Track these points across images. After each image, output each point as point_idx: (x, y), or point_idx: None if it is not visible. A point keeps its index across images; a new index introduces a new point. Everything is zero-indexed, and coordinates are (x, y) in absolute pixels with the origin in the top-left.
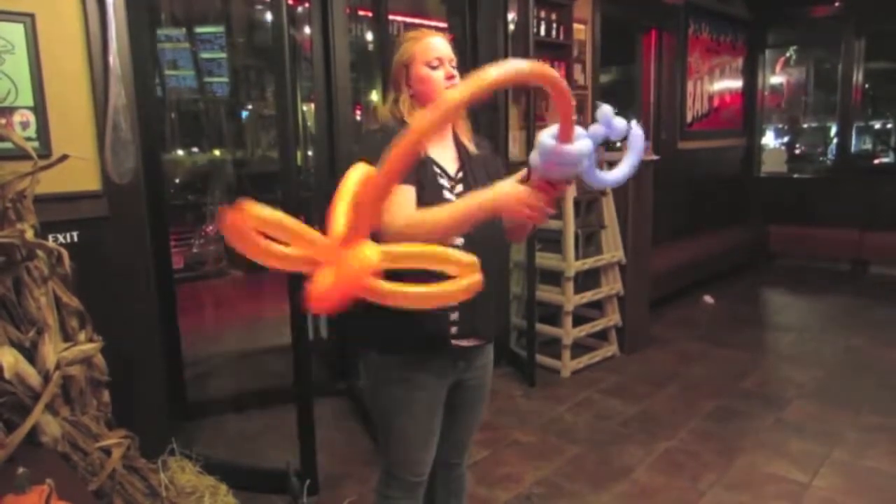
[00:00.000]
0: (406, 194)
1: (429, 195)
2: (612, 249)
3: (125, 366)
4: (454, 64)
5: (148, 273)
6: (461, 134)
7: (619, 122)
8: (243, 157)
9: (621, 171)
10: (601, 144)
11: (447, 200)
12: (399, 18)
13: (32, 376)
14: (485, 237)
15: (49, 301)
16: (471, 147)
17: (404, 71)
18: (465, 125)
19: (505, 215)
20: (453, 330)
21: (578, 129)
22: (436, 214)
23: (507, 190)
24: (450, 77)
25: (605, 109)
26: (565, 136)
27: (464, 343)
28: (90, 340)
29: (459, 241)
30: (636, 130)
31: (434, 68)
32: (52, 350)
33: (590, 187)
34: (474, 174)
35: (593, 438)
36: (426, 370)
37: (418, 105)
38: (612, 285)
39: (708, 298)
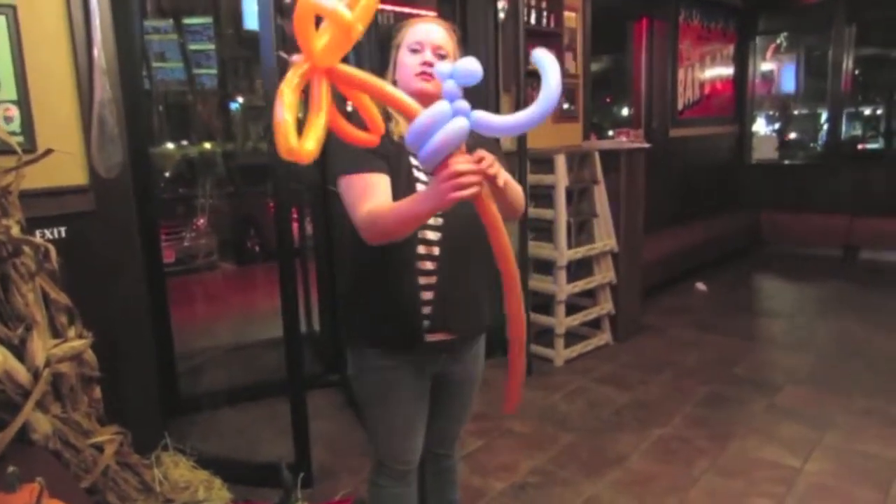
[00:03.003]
0: (376, 181)
1: (402, 186)
2: (605, 238)
3: (116, 361)
4: (442, 52)
5: (137, 267)
6: None
7: (465, 64)
8: (233, 150)
9: (528, 110)
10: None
11: None
12: (388, 7)
13: (22, 374)
14: (462, 233)
15: (37, 297)
16: None
17: (394, 54)
18: None
19: (448, 202)
20: (425, 324)
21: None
22: (395, 204)
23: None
24: (425, 63)
25: (438, 66)
26: (408, 116)
27: (435, 338)
28: (80, 336)
29: (436, 236)
30: (540, 54)
31: (413, 52)
32: (41, 347)
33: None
34: None
35: (587, 427)
36: (403, 362)
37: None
38: (604, 274)
39: (700, 286)
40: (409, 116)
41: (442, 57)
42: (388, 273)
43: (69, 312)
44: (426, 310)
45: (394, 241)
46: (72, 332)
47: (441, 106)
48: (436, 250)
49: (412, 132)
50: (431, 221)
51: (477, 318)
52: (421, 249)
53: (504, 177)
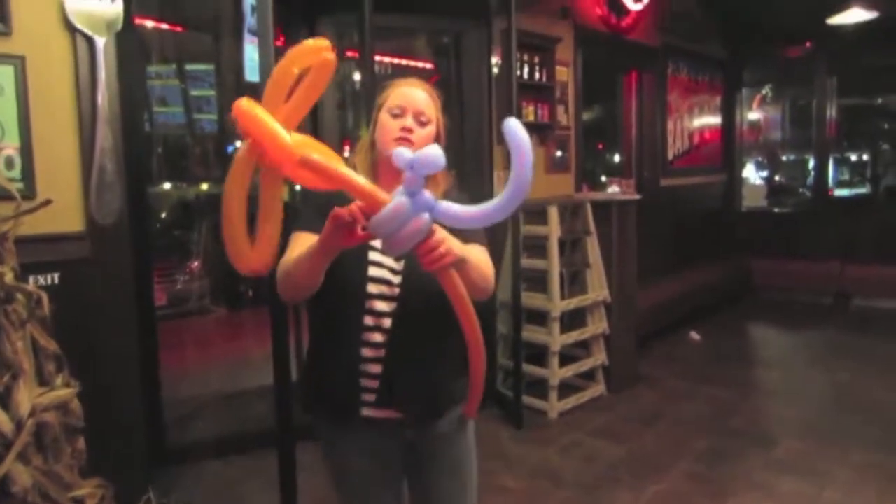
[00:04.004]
0: (304, 240)
1: (354, 251)
2: (598, 288)
3: (103, 410)
4: (423, 118)
5: (129, 315)
6: (432, 188)
7: (426, 154)
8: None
9: (496, 200)
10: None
11: (374, 263)
12: (387, 59)
13: (5, 423)
14: (422, 308)
15: (26, 345)
16: None
17: (375, 115)
18: (442, 179)
19: (336, 243)
20: (369, 398)
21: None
22: (296, 253)
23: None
24: (405, 129)
25: (397, 152)
26: (370, 209)
27: (380, 414)
28: (67, 385)
29: (388, 307)
30: (511, 128)
31: (395, 116)
32: (26, 396)
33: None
34: None
35: (582, 482)
36: (352, 438)
37: (377, 151)
38: (597, 324)
39: (694, 335)
40: (374, 209)
41: (423, 124)
42: (333, 340)
43: (58, 360)
44: (371, 384)
45: (337, 307)
46: (59, 381)
47: (401, 203)
48: (386, 322)
49: (372, 224)
50: (386, 291)
51: (433, 399)
52: (368, 321)
53: (458, 255)
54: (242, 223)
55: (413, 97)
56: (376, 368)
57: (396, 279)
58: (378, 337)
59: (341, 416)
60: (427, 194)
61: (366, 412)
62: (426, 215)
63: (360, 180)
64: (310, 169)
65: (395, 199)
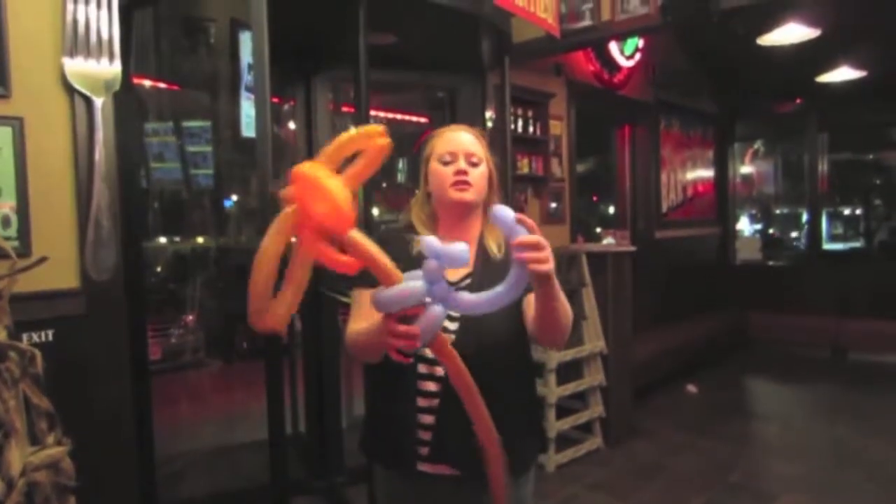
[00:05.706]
0: (364, 301)
1: None
2: (594, 340)
3: (94, 468)
4: (474, 159)
5: (123, 371)
6: (489, 235)
7: (455, 249)
8: (225, 245)
9: (502, 284)
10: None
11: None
12: (381, 114)
13: None
14: (478, 357)
15: (18, 404)
16: (494, 251)
17: (425, 167)
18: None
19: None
20: (423, 451)
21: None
22: (359, 326)
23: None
24: (459, 172)
25: (427, 241)
26: (385, 281)
27: (433, 470)
28: (58, 443)
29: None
30: (497, 215)
31: (446, 164)
32: (18, 455)
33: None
34: (484, 285)
35: None
36: (407, 492)
37: (434, 203)
38: (594, 376)
39: (691, 387)
40: (388, 284)
41: (475, 165)
42: (389, 389)
43: (50, 418)
44: (425, 435)
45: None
46: (51, 439)
47: (414, 288)
48: (440, 370)
49: (378, 298)
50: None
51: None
52: (422, 368)
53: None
54: (270, 283)
55: (460, 140)
56: (429, 419)
57: (452, 325)
58: (432, 386)
59: (398, 468)
60: (444, 284)
61: (420, 466)
62: (439, 307)
63: (382, 258)
64: (351, 245)
65: (410, 283)
